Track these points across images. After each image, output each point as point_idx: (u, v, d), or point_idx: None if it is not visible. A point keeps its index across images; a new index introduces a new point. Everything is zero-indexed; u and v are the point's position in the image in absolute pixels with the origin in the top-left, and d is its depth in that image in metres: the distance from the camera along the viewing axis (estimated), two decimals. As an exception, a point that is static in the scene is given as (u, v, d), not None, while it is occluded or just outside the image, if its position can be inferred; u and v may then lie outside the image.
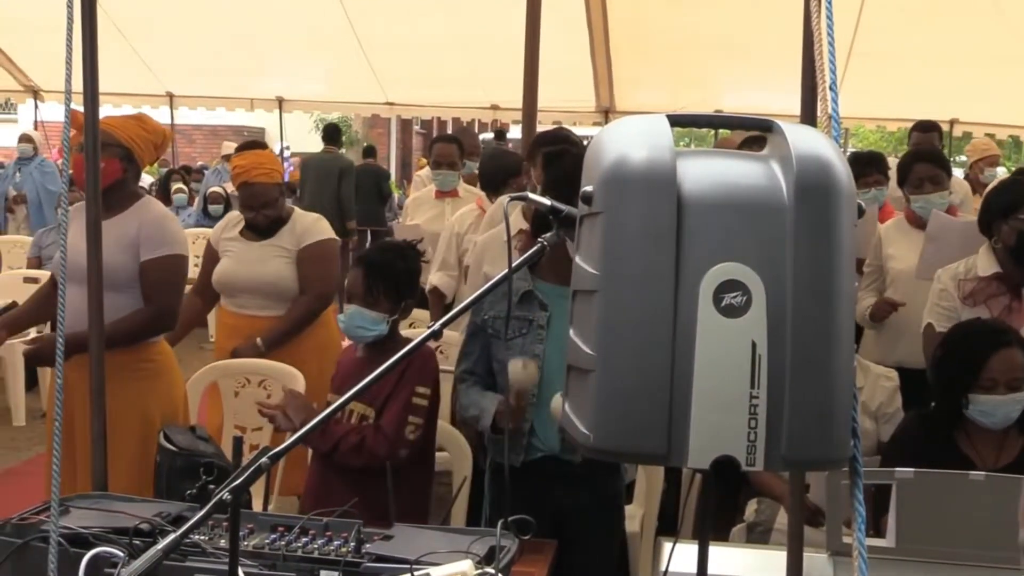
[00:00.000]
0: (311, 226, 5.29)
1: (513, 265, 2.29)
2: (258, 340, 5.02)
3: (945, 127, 10.97)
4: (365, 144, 19.06)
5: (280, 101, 13.44)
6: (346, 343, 4.82)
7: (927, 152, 5.82)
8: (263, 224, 5.19)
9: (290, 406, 3.73)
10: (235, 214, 5.50)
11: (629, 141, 1.78)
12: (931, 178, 5.36)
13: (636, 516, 4.43)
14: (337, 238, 5.52)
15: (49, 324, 6.68)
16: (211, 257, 5.37)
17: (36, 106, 13.57)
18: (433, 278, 6.09)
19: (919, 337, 4.88)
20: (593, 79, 11.43)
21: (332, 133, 13.12)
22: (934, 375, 3.95)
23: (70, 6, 2.79)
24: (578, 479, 3.54)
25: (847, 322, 1.73)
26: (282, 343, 5.04)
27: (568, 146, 4.15)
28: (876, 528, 3.27)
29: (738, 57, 10.50)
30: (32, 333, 5.82)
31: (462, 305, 2.39)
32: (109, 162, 4.27)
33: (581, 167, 3.44)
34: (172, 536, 2.08)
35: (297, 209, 5.42)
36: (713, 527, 2.23)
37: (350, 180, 12.43)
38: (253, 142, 6.82)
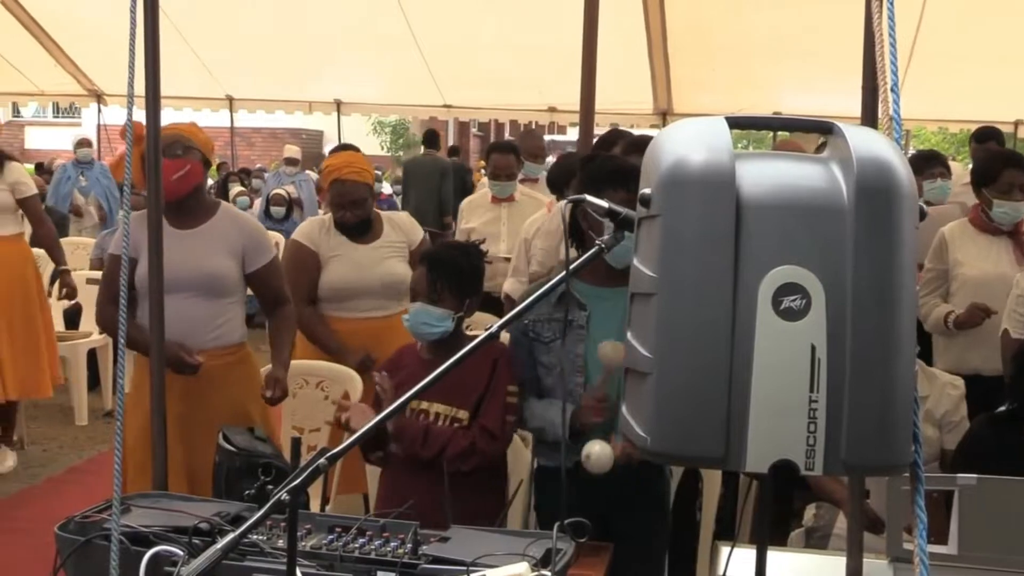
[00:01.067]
0: (414, 225, 5.42)
1: (571, 267, 2.29)
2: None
3: (1009, 129, 10.84)
4: (451, 144, 19.71)
5: (338, 104, 13.53)
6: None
7: (1018, 157, 5.71)
8: (350, 222, 5.17)
9: (352, 415, 3.75)
10: (319, 218, 5.50)
11: (687, 144, 1.77)
12: (1021, 186, 5.27)
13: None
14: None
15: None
16: (312, 262, 5.21)
17: (99, 110, 13.75)
18: (506, 285, 6.10)
19: (994, 343, 4.83)
20: (651, 81, 11.40)
21: (431, 138, 13.85)
22: (1009, 374, 3.93)
23: (133, 11, 2.82)
24: (621, 480, 3.52)
25: (908, 325, 1.71)
26: None
27: (599, 150, 4.14)
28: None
29: (797, 59, 10.42)
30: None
31: (518, 308, 2.39)
32: (194, 164, 4.36)
33: (607, 166, 3.47)
34: (231, 536, 2.10)
35: (380, 211, 5.45)
36: (771, 532, 2.21)
37: (449, 179, 12.83)
38: (347, 145, 6.88)
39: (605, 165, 3.58)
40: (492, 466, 3.69)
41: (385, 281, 5.15)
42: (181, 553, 2.56)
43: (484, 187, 8.37)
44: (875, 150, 1.74)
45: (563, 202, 5.01)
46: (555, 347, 3.57)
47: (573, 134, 18.64)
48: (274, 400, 4.42)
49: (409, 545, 2.73)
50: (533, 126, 15.30)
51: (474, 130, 32.80)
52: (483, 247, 3.95)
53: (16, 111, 30.34)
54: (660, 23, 10.24)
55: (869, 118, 2.63)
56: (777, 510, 4.25)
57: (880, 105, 1.96)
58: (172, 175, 4.18)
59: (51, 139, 28.58)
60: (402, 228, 5.32)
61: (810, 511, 4.25)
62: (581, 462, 3.40)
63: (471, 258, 3.85)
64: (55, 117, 30.82)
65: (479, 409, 3.64)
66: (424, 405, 3.67)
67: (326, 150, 13.39)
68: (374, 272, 5.14)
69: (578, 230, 3.58)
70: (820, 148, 5.11)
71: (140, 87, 3.18)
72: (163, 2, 3.61)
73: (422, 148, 13.99)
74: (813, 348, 1.67)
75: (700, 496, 4.27)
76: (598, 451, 3.37)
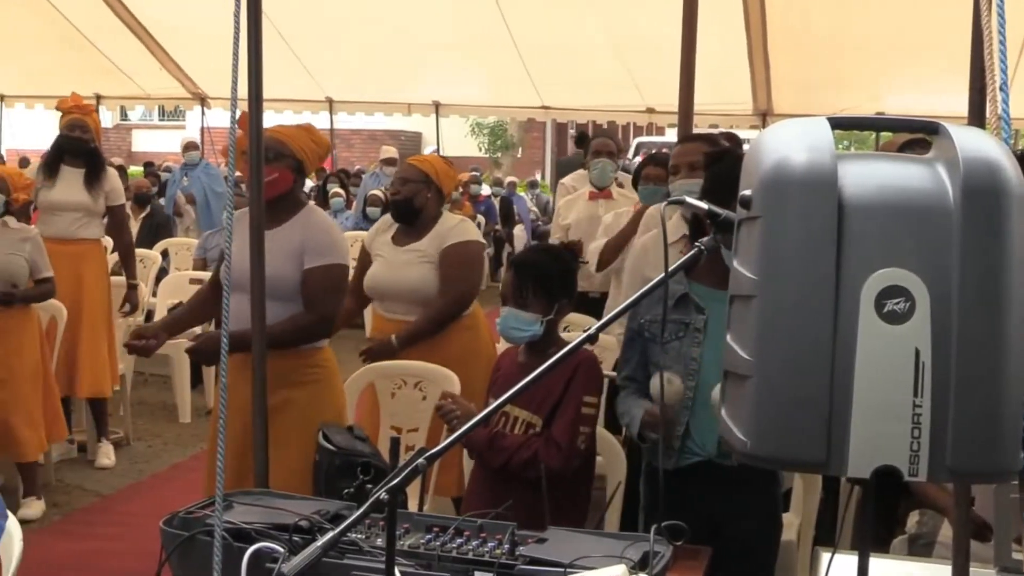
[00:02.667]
0: (455, 227, 5.35)
1: (670, 269, 2.27)
2: (392, 337, 5.14)
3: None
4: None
5: (437, 105, 13.61)
6: (500, 347, 4.84)
7: None
8: (393, 198, 5.37)
9: (461, 420, 3.79)
10: (387, 218, 5.57)
11: (789, 144, 1.75)
12: None
13: (793, 525, 4.35)
14: (482, 241, 5.52)
15: (213, 323, 6.96)
16: (364, 260, 5.48)
17: (203, 112, 14.00)
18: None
19: None
20: (751, 81, 11.28)
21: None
22: None
23: (237, 15, 2.86)
24: (735, 484, 3.49)
25: (1018, 328, 1.68)
26: (415, 342, 5.12)
27: (732, 147, 4.09)
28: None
29: (901, 57, 10.24)
30: (197, 331, 5.95)
31: (618, 309, 2.38)
32: (283, 172, 4.37)
33: (739, 170, 3.40)
34: (331, 534, 2.12)
35: (446, 212, 5.49)
36: (873, 538, 2.18)
37: None
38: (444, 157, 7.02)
39: (737, 169, 3.48)
40: (571, 474, 3.65)
41: (408, 287, 5.24)
42: (282, 550, 2.59)
43: (565, 187, 8.41)
44: (983, 150, 1.70)
45: (662, 204, 4.98)
46: (671, 349, 3.55)
47: (672, 135, 18.56)
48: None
49: (506, 546, 2.73)
50: (631, 127, 15.28)
51: (572, 132, 32.75)
52: (578, 247, 3.94)
53: (124, 115, 31.05)
54: (760, 22, 10.13)
55: (977, 118, 2.58)
56: (879, 516, 4.18)
57: (988, 104, 1.92)
58: None
59: (157, 141, 29.21)
60: (442, 231, 5.31)
61: (913, 518, 4.17)
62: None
63: (560, 261, 3.83)
64: (160, 120, 31.48)
65: (553, 416, 3.63)
66: (506, 408, 3.68)
67: (424, 152, 13.55)
68: (401, 276, 5.25)
69: (702, 232, 3.50)
70: (902, 148, 5.00)
71: (243, 90, 3.23)
72: (265, 6, 3.66)
73: (522, 148, 14.33)
74: (917, 352, 1.64)
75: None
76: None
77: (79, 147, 6.94)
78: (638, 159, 10.49)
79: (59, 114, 7.01)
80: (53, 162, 6.99)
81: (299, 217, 4.46)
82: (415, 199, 5.28)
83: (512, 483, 3.56)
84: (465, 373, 4.82)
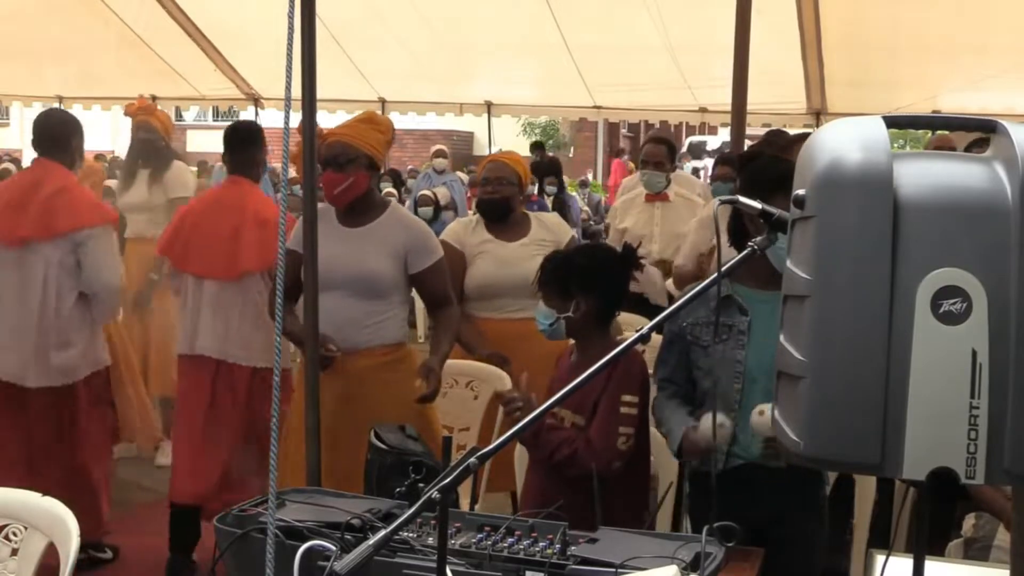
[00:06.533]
0: (561, 225, 5.48)
1: (724, 268, 2.26)
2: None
3: None
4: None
5: (489, 105, 13.61)
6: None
7: None
8: (487, 197, 5.34)
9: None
10: (468, 218, 5.60)
11: (843, 143, 1.74)
12: None
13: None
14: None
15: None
16: (456, 257, 5.20)
17: (256, 113, 14.09)
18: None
19: None
20: (804, 80, 11.20)
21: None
22: None
23: (291, 17, 2.88)
24: (779, 487, 3.46)
25: (1077, 330, 1.65)
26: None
27: (765, 147, 4.07)
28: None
29: (958, 55, 10.10)
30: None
31: (670, 309, 2.37)
32: (358, 176, 4.37)
33: (775, 169, 3.39)
34: (382, 532, 2.13)
35: (530, 212, 5.53)
36: (928, 541, 2.16)
37: None
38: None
39: (773, 168, 3.47)
40: (622, 474, 3.62)
41: (530, 278, 5.13)
42: (334, 548, 2.61)
43: (624, 187, 8.39)
44: (1042, 148, 1.68)
45: (715, 201, 4.96)
46: (714, 351, 3.52)
47: (724, 134, 18.51)
48: (426, 393, 4.25)
49: (558, 545, 2.73)
50: (684, 127, 15.21)
51: (624, 131, 32.67)
52: (640, 250, 3.92)
53: (179, 115, 31.35)
54: (814, 20, 10.05)
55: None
56: (935, 518, 4.14)
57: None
58: (334, 189, 4.28)
59: (211, 142, 29.43)
60: (550, 227, 5.36)
61: (969, 521, 4.12)
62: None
63: (588, 260, 3.82)
64: (215, 120, 31.76)
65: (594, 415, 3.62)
66: (554, 408, 3.67)
67: (476, 152, 13.56)
68: (519, 269, 5.11)
69: (743, 232, 3.49)
70: (971, 146, 4.94)
71: (296, 91, 3.25)
72: (318, 8, 3.68)
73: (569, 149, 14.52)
74: (974, 353, 1.63)
75: (852, 516, 4.19)
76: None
77: (146, 148, 7.26)
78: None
79: (117, 116, 7.28)
80: (129, 167, 7.38)
81: (391, 215, 4.52)
82: (512, 200, 5.32)
83: (565, 483, 3.55)
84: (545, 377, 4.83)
